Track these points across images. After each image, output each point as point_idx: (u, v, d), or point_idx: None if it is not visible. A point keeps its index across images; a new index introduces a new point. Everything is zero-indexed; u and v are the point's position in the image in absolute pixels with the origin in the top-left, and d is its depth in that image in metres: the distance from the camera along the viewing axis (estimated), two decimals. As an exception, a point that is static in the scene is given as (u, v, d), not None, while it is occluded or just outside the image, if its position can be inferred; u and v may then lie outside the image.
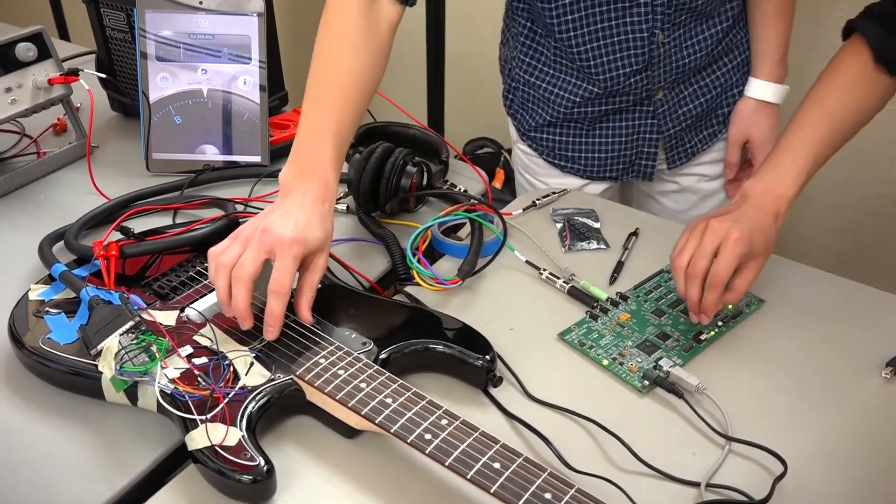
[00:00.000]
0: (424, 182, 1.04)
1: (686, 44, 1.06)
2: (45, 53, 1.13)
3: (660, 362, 0.79)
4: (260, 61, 1.14)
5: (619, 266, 0.94)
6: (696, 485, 0.67)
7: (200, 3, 1.12)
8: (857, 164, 1.60)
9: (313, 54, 0.88)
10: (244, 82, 1.15)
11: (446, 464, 0.62)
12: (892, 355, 0.80)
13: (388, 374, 0.72)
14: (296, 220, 0.77)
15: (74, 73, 1.14)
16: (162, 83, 1.14)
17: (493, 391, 0.77)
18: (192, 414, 0.68)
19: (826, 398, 0.77)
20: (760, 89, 1.13)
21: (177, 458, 0.73)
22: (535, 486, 0.60)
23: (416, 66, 2.00)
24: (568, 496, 0.59)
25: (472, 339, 0.78)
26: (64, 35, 2.56)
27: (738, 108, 1.15)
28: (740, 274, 0.80)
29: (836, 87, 0.85)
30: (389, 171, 0.99)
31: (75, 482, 0.70)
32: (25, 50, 1.10)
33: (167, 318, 0.80)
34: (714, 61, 1.11)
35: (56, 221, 1.00)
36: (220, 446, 0.66)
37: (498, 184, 1.93)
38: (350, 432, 0.72)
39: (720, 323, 0.85)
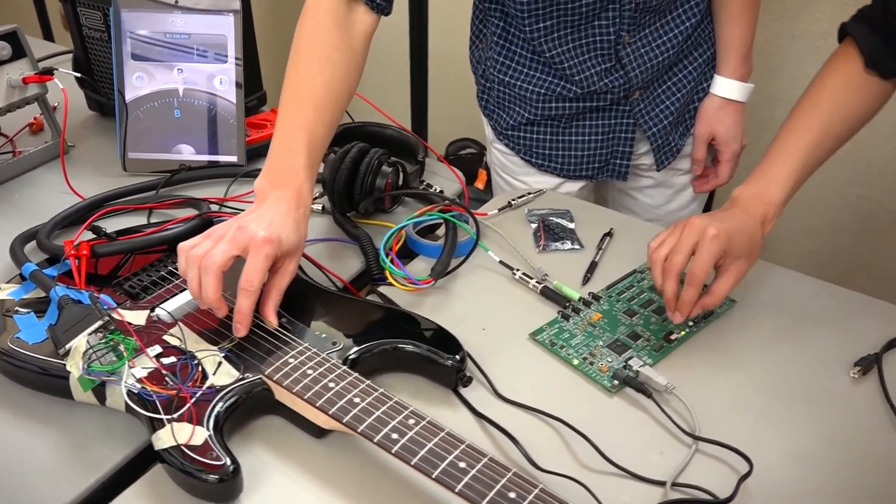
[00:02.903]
0: (400, 182, 1.04)
1: (655, 43, 1.07)
2: (19, 52, 1.12)
3: (630, 362, 0.79)
4: (236, 58, 1.14)
5: (593, 266, 0.95)
6: (662, 484, 0.68)
7: (176, 2, 1.12)
8: (835, 165, 1.60)
9: (288, 64, 0.88)
10: (220, 81, 1.14)
11: (412, 463, 0.62)
12: (860, 355, 0.81)
13: (356, 374, 0.72)
14: (270, 222, 0.78)
15: (49, 72, 1.13)
16: (138, 82, 1.13)
17: (464, 391, 0.77)
18: (160, 413, 0.68)
19: (794, 398, 0.77)
20: (726, 87, 1.13)
21: (145, 459, 0.72)
22: (499, 485, 0.60)
23: (399, 68, 2.00)
24: (532, 495, 0.59)
25: (442, 339, 0.78)
26: (48, 35, 2.54)
27: (703, 105, 1.16)
28: (720, 277, 0.81)
29: (828, 91, 0.83)
30: (364, 170, 0.99)
31: (42, 482, 0.69)
32: None
33: (137, 317, 0.80)
34: (684, 57, 1.12)
35: (30, 221, 0.99)
36: (186, 446, 0.66)
37: (480, 184, 1.93)
38: (318, 432, 0.71)
39: (691, 323, 0.85)
